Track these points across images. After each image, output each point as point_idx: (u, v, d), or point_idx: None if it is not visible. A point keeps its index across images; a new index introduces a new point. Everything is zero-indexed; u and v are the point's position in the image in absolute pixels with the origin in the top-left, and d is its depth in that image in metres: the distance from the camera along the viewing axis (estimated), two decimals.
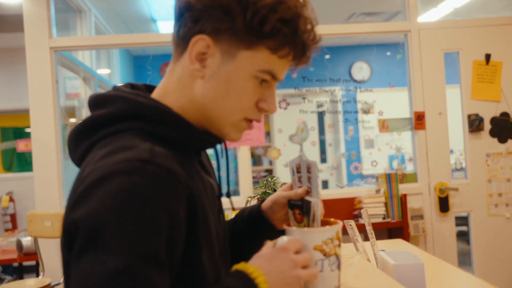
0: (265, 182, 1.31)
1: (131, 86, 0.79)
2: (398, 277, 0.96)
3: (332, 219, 0.86)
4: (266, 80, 0.73)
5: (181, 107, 0.74)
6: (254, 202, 1.29)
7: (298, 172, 0.82)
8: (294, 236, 0.79)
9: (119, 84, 0.79)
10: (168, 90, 0.75)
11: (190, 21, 0.70)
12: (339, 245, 0.81)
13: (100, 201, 0.60)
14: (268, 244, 0.77)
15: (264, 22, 0.68)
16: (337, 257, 0.80)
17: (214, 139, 0.78)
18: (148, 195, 0.61)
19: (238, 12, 0.68)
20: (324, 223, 0.89)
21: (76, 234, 0.60)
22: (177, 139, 0.73)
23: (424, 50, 3.32)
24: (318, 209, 0.79)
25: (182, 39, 0.72)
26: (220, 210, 0.85)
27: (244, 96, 0.73)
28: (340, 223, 0.83)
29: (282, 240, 0.76)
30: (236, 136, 0.77)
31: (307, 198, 0.81)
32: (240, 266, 0.71)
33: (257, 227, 0.96)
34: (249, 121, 0.77)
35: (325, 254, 0.78)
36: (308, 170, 0.81)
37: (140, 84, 0.82)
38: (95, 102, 0.74)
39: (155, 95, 0.78)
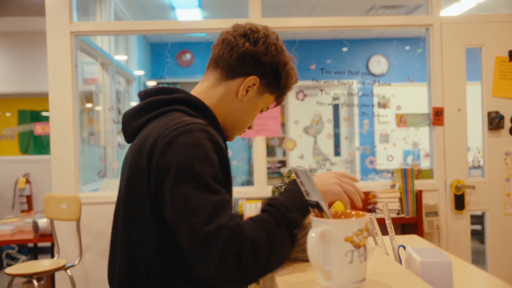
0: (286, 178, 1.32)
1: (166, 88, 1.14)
2: (424, 274, 0.93)
3: (357, 212, 0.86)
4: (261, 111, 1.18)
5: (214, 109, 1.11)
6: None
7: (298, 177, 0.90)
8: (325, 227, 0.79)
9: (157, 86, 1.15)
10: (208, 96, 1.11)
11: (250, 64, 1.08)
12: (367, 237, 0.80)
13: (184, 148, 0.91)
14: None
15: (287, 86, 1.15)
16: (365, 249, 0.80)
17: (224, 135, 1.15)
18: (209, 144, 0.94)
19: (281, 77, 1.11)
20: (349, 215, 0.88)
21: (168, 171, 0.90)
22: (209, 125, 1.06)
23: (445, 45, 3.27)
24: (325, 206, 0.86)
25: (238, 70, 1.09)
26: None
27: (253, 119, 1.18)
28: (367, 215, 0.82)
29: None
30: (233, 139, 1.21)
31: (308, 198, 0.88)
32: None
33: None
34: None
35: (355, 246, 0.78)
36: (297, 176, 0.88)
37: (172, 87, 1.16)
38: (159, 90, 1.10)
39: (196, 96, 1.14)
